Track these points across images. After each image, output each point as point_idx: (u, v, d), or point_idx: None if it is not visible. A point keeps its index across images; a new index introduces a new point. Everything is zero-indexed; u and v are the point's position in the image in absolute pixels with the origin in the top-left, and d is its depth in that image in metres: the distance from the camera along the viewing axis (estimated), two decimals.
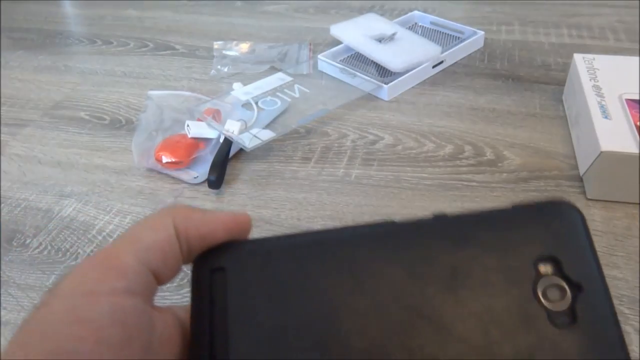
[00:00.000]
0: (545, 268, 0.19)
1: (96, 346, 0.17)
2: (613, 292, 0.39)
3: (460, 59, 0.69)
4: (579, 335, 0.18)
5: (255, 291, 0.20)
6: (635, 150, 0.44)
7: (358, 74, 0.63)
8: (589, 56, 0.57)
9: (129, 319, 0.19)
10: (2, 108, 0.65)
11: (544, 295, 0.19)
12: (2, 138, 0.59)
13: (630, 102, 0.50)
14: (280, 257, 0.21)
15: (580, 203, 0.46)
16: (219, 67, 0.70)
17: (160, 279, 0.21)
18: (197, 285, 0.21)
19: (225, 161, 0.52)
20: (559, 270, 0.19)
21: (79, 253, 0.45)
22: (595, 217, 0.45)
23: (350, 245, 0.20)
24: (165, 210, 0.22)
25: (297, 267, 0.20)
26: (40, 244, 0.46)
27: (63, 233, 0.47)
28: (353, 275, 0.20)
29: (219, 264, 0.21)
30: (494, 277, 0.19)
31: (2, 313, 0.40)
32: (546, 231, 0.20)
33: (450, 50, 0.67)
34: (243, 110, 0.58)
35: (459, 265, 0.19)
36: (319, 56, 0.67)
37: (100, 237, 0.46)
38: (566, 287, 0.19)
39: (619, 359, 0.18)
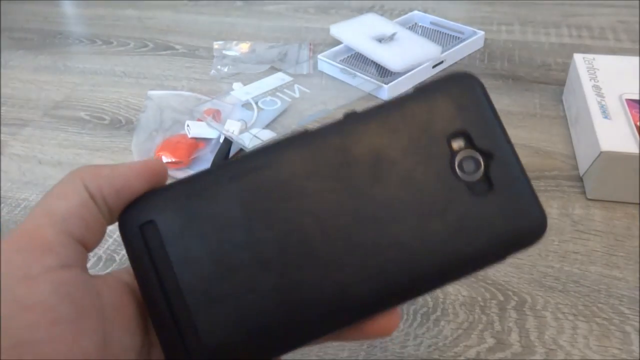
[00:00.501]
0: (456, 143, 0.20)
1: (52, 327, 0.17)
2: (613, 292, 0.39)
3: (460, 59, 0.69)
4: (498, 199, 0.20)
5: (190, 232, 0.20)
6: (635, 150, 0.44)
7: (358, 74, 0.63)
8: (589, 56, 0.57)
9: (74, 292, 0.18)
10: (2, 108, 0.65)
11: (460, 168, 0.20)
12: (2, 138, 0.59)
13: (630, 102, 0.50)
14: (204, 193, 0.21)
15: (580, 203, 0.47)
16: (219, 67, 0.70)
17: (87, 245, 0.21)
18: (131, 245, 0.21)
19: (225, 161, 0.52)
20: (470, 142, 0.20)
21: None
22: (595, 217, 0.45)
23: (270, 164, 0.21)
24: (72, 173, 0.21)
25: (223, 199, 0.20)
26: None
27: None
28: (282, 192, 0.20)
29: (146, 217, 0.21)
30: (411, 160, 0.20)
31: None
32: (451, 106, 0.20)
33: (450, 50, 0.67)
34: (243, 110, 0.58)
35: (377, 155, 0.20)
36: (319, 56, 0.67)
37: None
38: (479, 157, 0.20)
39: (536, 214, 0.20)
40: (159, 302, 0.20)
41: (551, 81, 0.64)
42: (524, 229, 0.20)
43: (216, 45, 0.75)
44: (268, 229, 0.20)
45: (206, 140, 0.55)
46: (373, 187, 0.20)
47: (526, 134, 0.55)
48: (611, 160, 0.44)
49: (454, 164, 0.20)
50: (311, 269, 0.19)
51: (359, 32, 0.70)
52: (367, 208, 0.20)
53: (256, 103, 0.59)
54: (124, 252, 0.44)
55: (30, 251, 0.18)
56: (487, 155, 0.20)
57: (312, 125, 0.58)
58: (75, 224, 0.20)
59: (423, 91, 0.21)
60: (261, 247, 0.20)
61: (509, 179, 0.20)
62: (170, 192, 0.21)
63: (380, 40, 0.68)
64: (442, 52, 0.66)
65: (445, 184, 0.20)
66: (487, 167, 0.20)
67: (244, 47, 0.74)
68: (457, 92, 0.21)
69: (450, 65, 0.68)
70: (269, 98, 0.60)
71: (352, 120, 0.21)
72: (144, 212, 0.21)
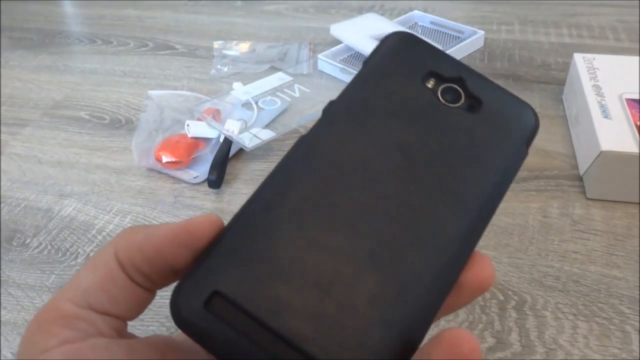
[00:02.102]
0: (429, 83, 0.22)
1: None
2: (613, 291, 0.39)
3: (460, 59, 0.69)
4: (492, 108, 0.22)
5: (265, 277, 0.18)
6: (635, 150, 0.44)
7: None
8: (589, 56, 0.57)
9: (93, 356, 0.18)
10: (2, 108, 0.65)
11: (446, 99, 0.22)
12: (2, 138, 0.59)
13: (630, 101, 0.50)
14: (254, 236, 0.19)
15: (580, 203, 0.47)
16: (219, 66, 0.70)
17: (120, 315, 0.20)
18: (203, 329, 0.17)
19: (225, 161, 0.52)
20: (438, 77, 0.22)
21: (79, 253, 0.45)
22: (595, 217, 0.45)
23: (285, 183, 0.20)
24: (109, 242, 0.20)
25: (272, 235, 0.19)
26: (40, 243, 0.46)
27: (63, 233, 0.47)
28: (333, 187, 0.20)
29: (205, 292, 0.17)
30: (412, 115, 0.21)
31: (2, 313, 0.40)
32: (404, 58, 0.22)
33: (450, 50, 0.67)
34: (243, 110, 0.58)
35: (383, 124, 0.21)
36: (319, 56, 0.67)
37: (100, 237, 0.46)
38: (456, 86, 0.22)
39: (526, 109, 0.22)
40: None
41: (551, 81, 0.64)
42: (528, 122, 0.22)
43: (216, 45, 0.75)
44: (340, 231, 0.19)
45: (206, 139, 0.55)
46: (407, 150, 0.21)
47: None
48: (611, 160, 0.44)
49: (440, 99, 0.22)
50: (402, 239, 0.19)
51: (359, 31, 0.70)
52: (415, 164, 0.20)
53: (256, 103, 0.59)
54: None
55: (47, 326, 0.19)
56: (459, 80, 0.22)
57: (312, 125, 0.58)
58: (96, 297, 0.19)
59: (375, 59, 0.22)
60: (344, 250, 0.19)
61: (488, 91, 0.22)
62: (216, 254, 0.18)
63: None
64: None
65: (450, 116, 0.21)
66: (465, 89, 0.22)
67: (243, 46, 0.74)
68: (401, 47, 0.22)
69: None
70: (269, 98, 0.60)
71: (332, 112, 0.21)
72: (199, 289, 0.18)
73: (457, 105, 0.22)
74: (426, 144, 0.21)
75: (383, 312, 0.18)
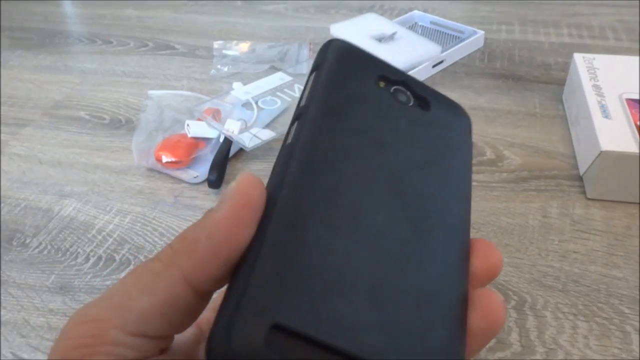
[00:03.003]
0: (381, 85, 0.23)
1: None
2: (613, 291, 0.39)
3: (460, 59, 0.69)
4: (439, 106, 0.23)
5: (317, 298, 0.16)
6: (635, 150, 0.44)
7: None
8: (589, 56, 0.57)
9: None
10: (2, 108, 0.65)
11: (398, 100, 0.23)
12: (2, 138, 0.59)
13: (630, 101, 0.50)
14: (291, 256, 0.17)
15: (580, 202, 0.47)
16: (219, 66, 0.70)
17: (174, 333, 0.18)
18: None
19: (225, 161, 0.52)
20: (389, 81, 0.23)
21: (79, 253, 0.45)
22: (595, 217, 0.45)
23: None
24: (167, 260, 0.17)
25: (304, 253, 0.17)
26: (40, 243, 0.46)
27: (63, 233, 0.47)
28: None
29: (264, 325, 0.15)
30: (377, 113, 0.22)
31: (2, 313, 0.40)
32: (357, 61, 0.23)
33: (450, 49, 0.67)
34: (243, 109, 0.58)
35: (358, 131, 0.21)
36: None
37: (100, 237, 0.46)
38: (402, 88, 0.23)
39: (460, 110, 0.24)
40: None
41: (551, 81, 0.64)
42: (465, 117, 0.25)
43: (216, 44, 0.75)
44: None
45: (206, 139, 0.55)
46: (387, 152, 0.21)
47: (526, 133, 0.55)
48: (611, 160, 0.44)
49: (396, 98, 0.23)
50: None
51: (359, 31, 0.70)
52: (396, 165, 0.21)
53: (256, 102, 0.59)
54: (124, 251, 0.44)
55: (90, 351, 0.16)
56: (403, 83, 0.23)
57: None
58: (155, 324, 0.17)
59: (328, 65, 0.22)
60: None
61: (428, 92, 0.24)
62: (255, 282, 0.16)
63: (380, 39, 0.67)
64: (442, 51, 0.66)
65: (412, 114, 0.23)
66: (411, 91, 0.23)
67: (243, 46, 0.74)
68: (347, 54, 0.23)
69: (450, 65, 0.68)
70: (268, 97, 0.60)
71: (311, 119, 0.21)
72: (253, 325, 0.15)
73: (410, 105, 0.23)
74: (406, 140, 0.22)
75: (438, 311, 0.18)
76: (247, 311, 0.15)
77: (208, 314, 0.22)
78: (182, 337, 0.20)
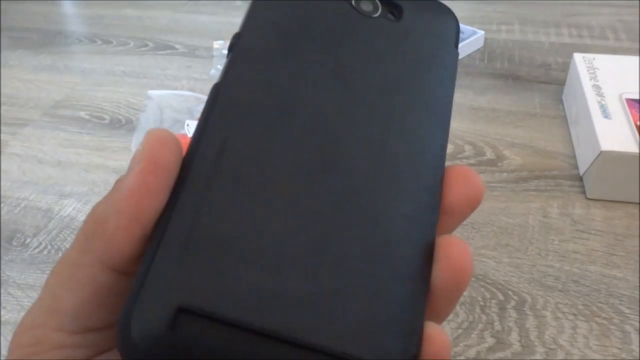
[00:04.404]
0: None
1: None
2: (613, 291, 0.39)
3: (460, 59, 0.69)
4: (411, 16, 0.20)
5: (228, 271, 0.14)
6: (635, 150, 0.44)
7: None
8: (589, 56, 0.57)
9: None
10: (2, 108, 0.65)
11: (361, 10, 0.19)
12: (2, 138, 0.59)
13: (630, 101, 0.50)
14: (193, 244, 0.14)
15: (580, 202, 0.47)
16: (219, 66, 0.70)
17: (117, 313, 0.17)
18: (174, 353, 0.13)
19: None
20: None
21: None
22: (595, 217, 0.45)
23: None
24: (81, 249, 0.16)
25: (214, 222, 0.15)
26: (40, 243, 0.46)
27: (63, 233, 0.47)
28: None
29: (168, 310, 0.13)
30: (326, 31, 0.19)
31: (2, 313, 0.40)
32: None
33: None
34: None
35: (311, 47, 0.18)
36: None
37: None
38: None
39: (446, 10, 0.21)
40: None
41: (551, 81, 0.64)
42: (450, 23, 0.21)
43: (216, 44, 0.75)
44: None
45: None
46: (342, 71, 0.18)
47: (526, 133, 0.55)
48: (611, 160, 0.44)
49: (358, 9, 0.20)
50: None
51: None
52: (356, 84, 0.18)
53: None
54: None
55: (34, 354, 0.15)
56: None
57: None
58: (94, 316, 0.16)
59: None
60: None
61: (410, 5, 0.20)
62: (162, 256, 0.14)
63: None
64: None
65: (374, 27, 0.19)
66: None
67: None
68: None
69: None
70: None
71: (244, 49, 0.18)
72: (155, 310, 0.13)
73: (377, 15, 0.20)
74: (363, 60, 0.18)
75: (390, 270, 0.15)
76: (148, 295, 0.13)
77: None
78: None
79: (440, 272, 0.16)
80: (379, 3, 0.20)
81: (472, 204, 0.17)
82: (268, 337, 0.13)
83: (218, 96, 0.16)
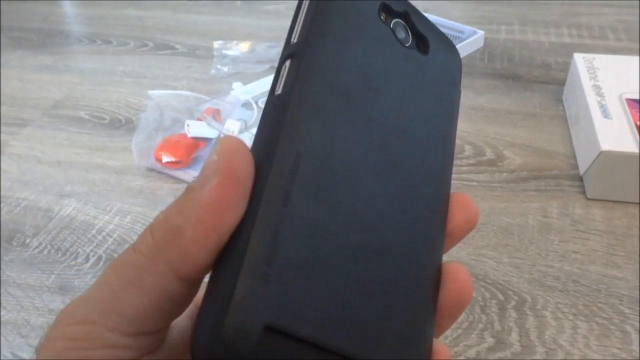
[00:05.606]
0: (384, 15, 0.20)
1: None
2: (613, 291, 0.39)
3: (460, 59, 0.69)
4: (436, 49, 0.21)
5: (311, 290, 0.15)
6: (635, 150, 0.44)
7: None
8: (589, 56, 0.57)
9: None
10: (2, 108, 0.65)
11: (397, 39, 0.20)
12: (2, 138, 0.59)
13: (630, 101, 0.50)
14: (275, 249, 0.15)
15: (580, 202, 0.47)
16: (219, 66, 0.70)
17: (170, 321, 0.17)
18: None
19: None
20: (391, 11, 0.20)
21: (78, 253, 0.45)
22: (595, 217, 0.45)
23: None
24: (153, 257, 0.16)
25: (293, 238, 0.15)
26: (40, 243, 0.46)
27: (63, 232, 0.47)
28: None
29: (255, 327, 0.14)
30: (367, 49, 0.19)
31: (2, 313, 0.40)
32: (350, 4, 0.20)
33: None
34: (243, 109, 0.58)
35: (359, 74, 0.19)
36: None
37: (100, 237, 0.46)
38: (402, 22, 0.21)
39: (453, 47, 0.22)
40: None
41: (551, 81, 0.64)
42: (458, 62, 0.22)
43: (216, 44, 0.75)
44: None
45: (206, 139, 0.55)
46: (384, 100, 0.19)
47: (526, 133, 0.55)
48: (611, 160, 0.44)
49: (395, 34, 0.20)
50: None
51: None
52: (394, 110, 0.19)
53: (256, 102, 0.59)
54: None
55: (84, 353, 0.16)
56: (405, 15, 0.21)
57: None
58: (151, 321, 0.16)
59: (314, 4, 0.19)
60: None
61: (427, 27, 0.21)
62: (245, 274, 0.14)
63: None
64: None
65: (404, 57, 0.20)
66: (410, 25, 0.21)
67: (243, 46, 0.74)
68: None
69: None
70: None
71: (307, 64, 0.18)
72: (248, 324, 0.14)
73: (407, 45, 0.20)
74: (398, 90, 0.19)
75: (415, 296, 0.17)
76: (234, 312, 0.14)
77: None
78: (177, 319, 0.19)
79: (448, 293, 0.18)
80: (409, 32, 0.21)
81: (470, 227, 0.19)
82: (340, 356, 0.15)
83: (289, 107, 0.16)
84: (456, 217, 0.19)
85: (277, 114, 0.16)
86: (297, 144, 0.16)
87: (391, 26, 0.20)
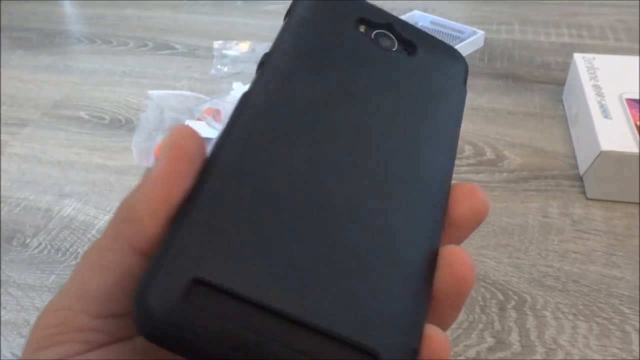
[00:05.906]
0: (362, 29, 0.21)
1: None
2: (613, 291, 0.39)
3: None
4: (426, 49, 0.22)
5: (241, 249, 0.15)
6: (635, 150, 0.44)
7: None
8: (589, 56, 0.57)
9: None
10: (2, 108, 0.65)
11: (379, 43, 0.21)
12: (2, 138, 0.59)
13: (630, 101, 0.50)
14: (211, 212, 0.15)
15: (580, 202, 0.47)
16: (219, 66, 0.70)
17: None
18: (182, 336, 0.14)
19: None
20: (371, 24, 0.21)
21: (78, 253, 0.45)
22: (595, 217, 0.45)
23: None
24: (114, 235, 0.17)
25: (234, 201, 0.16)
26: (40, 243, 0.46)
27: (63, 233, 0.47)
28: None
29: (183, 282, 0.14)
30: (349, 60, 0.20)
31: (2, 313, 0.40)
32: (334, 4, 0.21)
33: None
34: None
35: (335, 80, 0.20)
36: None
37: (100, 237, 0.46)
38: (387, 32, 0.22)
39: (454, 51, 0.23)
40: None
41: (551, 81, 0.64)
42: (460, 63, 0.23)
43: (216, 44, 0.75)
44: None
45: (206, 139, 0.55)
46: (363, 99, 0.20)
47: (526, 133, 0.55)
48: (611, 160, 0.44)
49: (377, 43, 0.21)
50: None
51: None
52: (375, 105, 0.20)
53: None
54: None
55: (60, 339, 0.16)
56: (388, 26, 0.22)
57: None
58: (118, 301, 0.16)
59: (300, 10, 0.21)
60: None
61: (417, 35, 0.22)
62: (183, 233, 0.15)
63: None
64: None
65: (392, 60, 0.21)
66: (396, 34, 0.22)
67: (243, 46, 0.74)
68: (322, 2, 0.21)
69: None
70: None
71: (273, 67, 0.19)
72: (172, 280, 0.14)
73: (394, 50, 0.21)
74: (383, 88, 0.20)
75: (397, 269, 0.16)
76: (165, 267, 0.14)
77: None
78: None
79: (443, 278, 0.17)
80: (394, 40, 0.21)
81: (478, 217, 0.18)
82: (274, 314, 0.14)
83: (246, 103, 0.18)
84: (462, 205, 0.18)
85: (237, 107, 0.18)
86: (248, 132, 0.17)
87: (372, 36, 0.21)
